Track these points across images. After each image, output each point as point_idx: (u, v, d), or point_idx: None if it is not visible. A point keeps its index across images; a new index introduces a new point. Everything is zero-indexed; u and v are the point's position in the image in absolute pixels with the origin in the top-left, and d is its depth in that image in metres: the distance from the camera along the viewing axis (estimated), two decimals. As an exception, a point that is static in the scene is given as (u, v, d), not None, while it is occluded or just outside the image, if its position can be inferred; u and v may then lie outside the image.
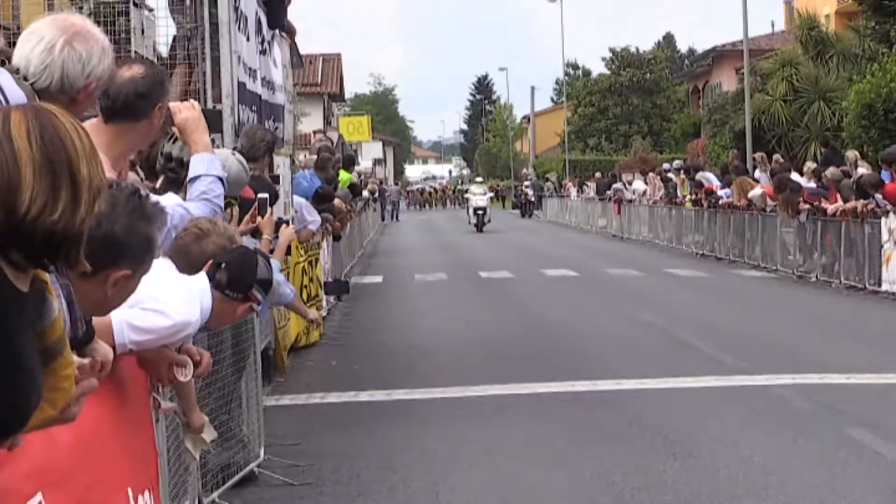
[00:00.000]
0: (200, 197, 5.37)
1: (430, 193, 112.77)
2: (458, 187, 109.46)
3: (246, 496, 8.63)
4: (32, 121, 2.65)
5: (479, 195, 54.54)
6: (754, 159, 32.94)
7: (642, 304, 20.51)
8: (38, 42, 4.14)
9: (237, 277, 5.03)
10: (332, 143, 34.00)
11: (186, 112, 5.38)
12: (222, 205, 5.50)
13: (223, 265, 5.02)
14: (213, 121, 5.94)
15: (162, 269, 4.90)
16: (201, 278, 4.94)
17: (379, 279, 27.79)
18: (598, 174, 53.80)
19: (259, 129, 10.78)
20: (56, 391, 2.86)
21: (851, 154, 25.39)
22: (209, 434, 6.01)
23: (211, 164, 5.53)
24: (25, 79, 4.06)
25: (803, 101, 41.43)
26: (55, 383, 2.84)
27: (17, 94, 3.89)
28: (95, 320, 3.73)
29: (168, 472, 6.64)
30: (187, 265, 5.01)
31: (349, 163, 24.20)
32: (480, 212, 52.53)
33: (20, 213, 2.58)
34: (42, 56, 4.12)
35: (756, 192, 27.44)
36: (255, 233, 9.08)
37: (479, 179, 75.59)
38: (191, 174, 5.59)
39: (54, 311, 2.79)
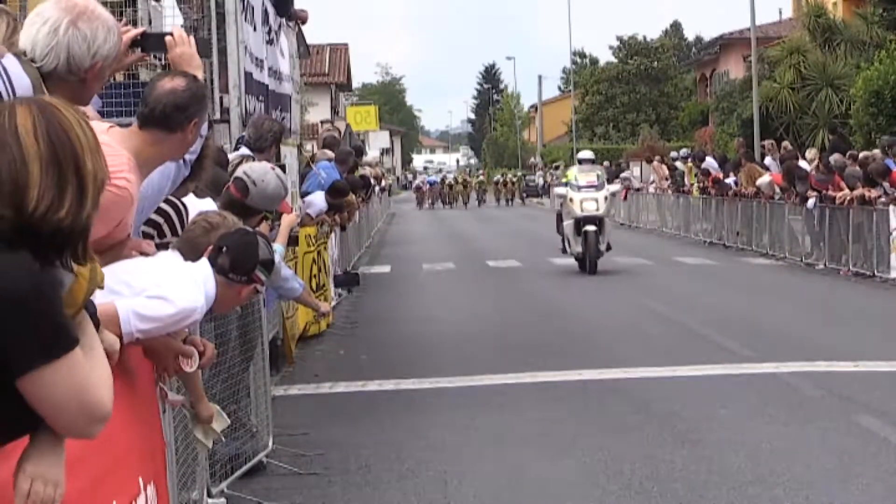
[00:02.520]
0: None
1: (461, 184, 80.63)
2: (480, 177, 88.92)
3: (254, 486, 8.63)
4: (38, 116, 2.65)
5: (587, 191, 24.96)
6: (762, 147, 32.88)
7: (650, 293, 20.48)
8: (42, 24, 4.13)
9: (239, 260, 5.03)
10: (340, 132, 33.94)
11: (184, 47, 5.28)
12: (192, 152, 5.26)
13: (224, 249, 5.02)
14: (205, 50, 5.74)
15: (165, 259, 4.90)
16: (203, 264, 4.94)
17: (387, 269, 27.79)
18: (606, 163, 53.57)
19: (266, 120, 10.77)
20: None
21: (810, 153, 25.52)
22: (220, 423, 6.01)
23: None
24: (33, 61, 4.05)
25: (811, 88, 41.34)
26: None
27: (23, 82, 3.88)
28: (101, 310, 3.73)
29: (176, 462, 6.66)
30: (196, 258, 5.02)
31: (357, 154, 24.14)
32: (592, 229, 24.52)
33: (28, 210, 2.58)
34: (47, 38, 4.11)
35: (764, 179, 27.39)
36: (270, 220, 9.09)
37: (586, 155, 27.89)
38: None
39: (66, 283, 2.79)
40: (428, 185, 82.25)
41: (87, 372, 2.73)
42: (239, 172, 8.07)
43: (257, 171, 8.17)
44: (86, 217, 2.67)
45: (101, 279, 3.13)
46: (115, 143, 4.51)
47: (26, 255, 2.60)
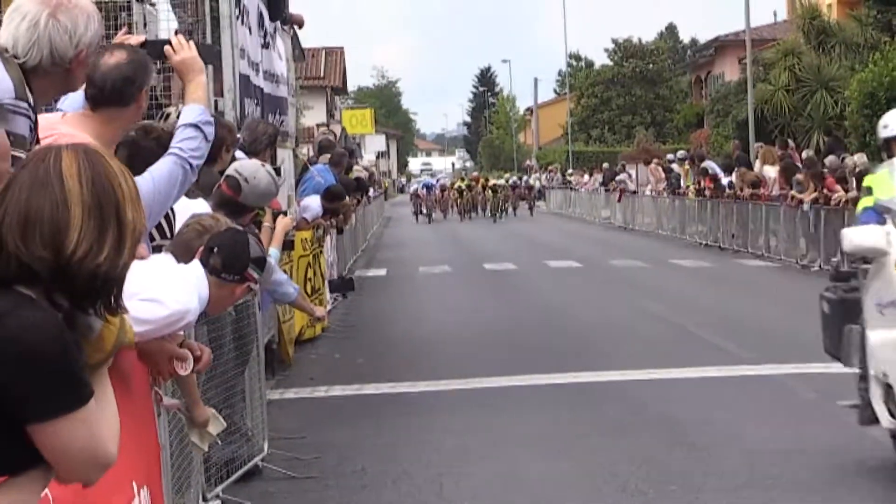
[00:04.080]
0: (169, 152, 5.20)
1: (484, 188, 60.50)
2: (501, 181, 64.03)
3: (250, 490, 8.62)
4: (83, 161, 2.67)
5: None
6: (757, 150, 32.96)
7: (647, 295, 20.49)
8: (21, 19, 4.11)
9: (231, 259, 5.02)
10: (336, 136, 33.90)
11: (184, 53, 5.26)
12: (199, 157, 5.27)
13: (215, 249, 5.01)
14: (207, 55, 5.71)
15: (158, 262, 4.90)
16: (195, 265, 4.94)
17: (383, 272, 27.78)
18: (605, 165, 53.54)
19: (261, 123, 10.77)
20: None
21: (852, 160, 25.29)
22: (216, 427, 6.00)
23: (196, 114, 5.27)
24: (16, 57, 4.04)
25: (806, 90, 41.35)
26: None
27: (4, 85, 3.86)
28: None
29: (171, 466, 6.65)
30: (189, 260, 5.01)
31: (350, 155, 24.12)
32: None
33: (67, 253, 2.59)
34: (28, 33, 4.09)
35: (768, 170, 27.42)
36: (256, 222, 9.09)
37: None
38: (178, 124, 5.44)
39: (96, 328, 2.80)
40: (424, 190, 60.26)
41: (99, 423, 2.75)
42: (230, 171, 8.07)
43: (248, 168, 8.18)
44: (122, 266, 2.68)
45: (131, 336, 3.15)
46: (77, 131, 4.50)
47: (53, 312, 2.62)
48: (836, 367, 12.71)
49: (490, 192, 59.01)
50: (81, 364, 2.68)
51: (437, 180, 66.94)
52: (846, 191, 22.36)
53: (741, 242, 29.39)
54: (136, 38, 5.20)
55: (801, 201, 24.40)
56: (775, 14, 66.84)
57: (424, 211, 58.35)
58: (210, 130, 5.23)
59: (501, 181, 64.22)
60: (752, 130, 37.44)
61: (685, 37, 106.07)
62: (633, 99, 79.02)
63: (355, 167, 23.95)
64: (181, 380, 5.76)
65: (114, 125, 4.81)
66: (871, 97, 31.51)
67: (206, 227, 5.21)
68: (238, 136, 10.22)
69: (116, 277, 2.68)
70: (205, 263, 4.97)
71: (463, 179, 66.57)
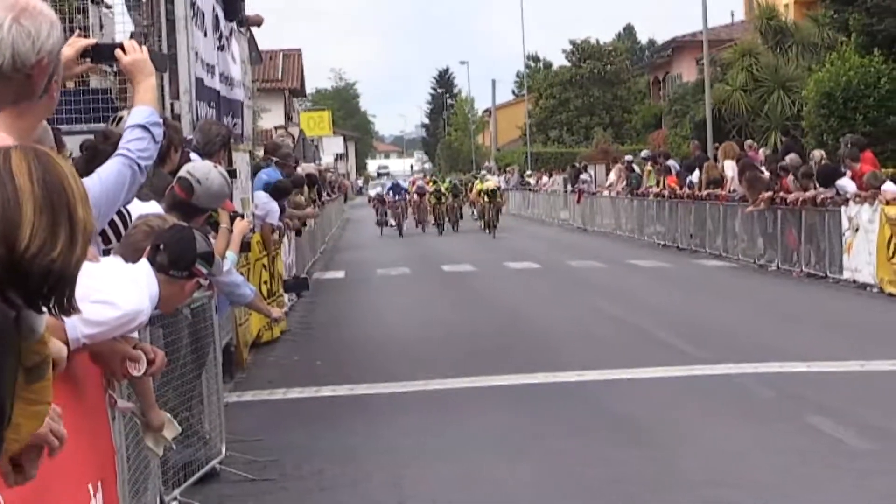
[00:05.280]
0: (117, 153, 5.19)
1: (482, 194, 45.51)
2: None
3: (208, 493, 8.59)
4: (33, 161, 2.68)
5: None
6: (715, 149, 33.12)
7: (605, 296, 20.55)
8: None
9: (178, 256, 5.02)
10: (294, 138, 33.77)
11: (134, 55, 5.24)
12: (148, 158, 5.27)
13: (161, 247, 5.01)
14: (160, 63, 5.71)
15: (107, 264, 4.88)
16: (144, 265, 4.93)
17: (341, 274, 27.76)
18: (570, 166, 53.44)
19: (214, 124, 10.73)
20: (27, 418, 2.84)
21: (818, 153, 25.37)
22: (171, 431, 5.98)
23: (145, 115, 5.26)
24: None
25: (763, 90, 41.63)
26: (28, 408, 2.82)
27: None
28: (47, 318, 3.70)
29: (128, 469, 6.61)
30: (137, 261, 5.00)
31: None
32: None
33: (20, 249, 2.60)
34: None
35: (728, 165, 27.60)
36: (213, 224, 9.06)
37: None
38: (126, 125, 5.44)
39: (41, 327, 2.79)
40: (391, 194, 47.43)
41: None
42: (182, 172, 8.04)
43: (201, 169, 8.15)
44: (75, 263, 2.68)
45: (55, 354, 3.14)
46: None
47: (6, 309, 2.62)
48: (793, 367, 12.86)
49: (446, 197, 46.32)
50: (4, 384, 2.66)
51: (414, 182, 50.64)
52: (805, 189, 22.48)
53: (699, 242, 29.53)
54: (86, 41, 5.16)
55: (761, 192, 24.55)
56: (732, 14, 67.27)
57: (393, 222, 45.53)
58: (158, 132, 5.24)
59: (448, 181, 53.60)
60: (709, 131, 37.63)
61: (643, 38, 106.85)
62: (591, 100, 79.26)
63: (304, 164, 23.80)
64: (136, 384, 5.74)
65: (26, 118, 4.78)
66: (828, 97, 31.77)
67: (154, 228, 5.21)
68: (191, 138, 10.19)
69: (69, 275, 2.69)
70: (152, 262, 4.97)
71: (435, 181, 54.78)
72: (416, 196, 47.97)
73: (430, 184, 51.78)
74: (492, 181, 47.57)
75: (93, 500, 4.30)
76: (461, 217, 48.25)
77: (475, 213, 48.54)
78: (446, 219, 45.95)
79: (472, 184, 51.33)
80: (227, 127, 11.30)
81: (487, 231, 42.32)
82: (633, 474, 8.78)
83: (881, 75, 30.96)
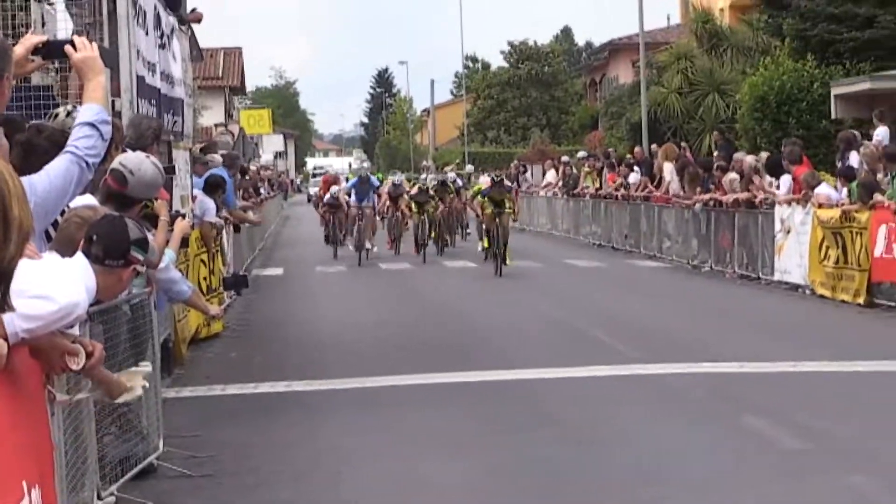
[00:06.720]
0: (65, 150, 5.22)
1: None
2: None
3: (145, 488, 8.60)
4: None
5: None
6: (650, 150, 33.45)
7: (541, 295, 20.67)
8: None
9: (112, 245, 5.05)
10: (234, 135, 33.53)
11: (85, 52, 5.27)
12: (95, 156, 5.30)
13: (95, 238, 5.03)
14: (110, 60, 5.77)
15: (43, 259, 4.91)
16: (79, 258, 4.96)
17: (280, 271, 27.72)
18: (512, 165, 53.47)
19: (144, 118, 10.71)
20: None
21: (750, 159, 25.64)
22: (138, 380, 5.87)
23: (93, 113, 5.35)
24: None
25: (698, 93, 42.01)
26: None
27: None
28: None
29: (65, 465, 6.63)
30: (73, 254, 5.03)
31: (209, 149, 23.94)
32: None
33: None
34: None
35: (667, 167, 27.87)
36: (152, 217, 9.08)
37: None
38: (75, 123, 5.47)
39: None
40: (353, 198, 30.78)
41: None
42: (115, 164, 8.06)
43: (133, 161, 8.18)
44: (9, 260, 2.68)
45: None
46: None
47: None
48: (724, 367, 13.04)
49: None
50: None
51: (399, 181, 32.48)
52: (748, 187, 22.75)
53: (634, 243, 29.79)
54: (38, 38, 5.20)
55: (700, 185, 24.85)
56: (668, 18, 67.68)
57: (355, 238, 29.47)
58: (107, 130, 5.28)
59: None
60: (645, 132, 37.96)
61: (580, 40, 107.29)
62: (529, 101, 79.53)
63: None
64: (91, 374, 5.73)
65: None
66: (762, 100, 32.14)
67: (85, 219, 5.23)
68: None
69: (4, 271, 2.69)
70: (87, 253, 4.99)
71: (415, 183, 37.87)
72: (387, 200, 31.57)
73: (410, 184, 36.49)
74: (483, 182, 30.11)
75: (27, 498, 4.30)
76: (460, 231, 35.72)
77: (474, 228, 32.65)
78: (432, 235, 31.14)
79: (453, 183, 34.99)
80: (157, 120, 11.28)
81: (486, 259, 27.17)
82: (568, 473, 8.86)
83: (814, 80, 31.34)
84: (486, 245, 27.12)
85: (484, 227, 26.83)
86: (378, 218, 31.90)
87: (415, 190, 32.65)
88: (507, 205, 25.77)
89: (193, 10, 15.59)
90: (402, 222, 31.51)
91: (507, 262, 24.59)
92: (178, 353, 13.58)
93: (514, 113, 79.91)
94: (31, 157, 5.66)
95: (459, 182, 37.12)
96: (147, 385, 6.09)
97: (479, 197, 26.87)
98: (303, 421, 10.92)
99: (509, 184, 29.07)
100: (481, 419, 10.83)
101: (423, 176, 42.80)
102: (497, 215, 25.05)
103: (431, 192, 32.30)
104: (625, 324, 16.79)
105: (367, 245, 29.11)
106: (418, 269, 27.01)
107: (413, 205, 30.92)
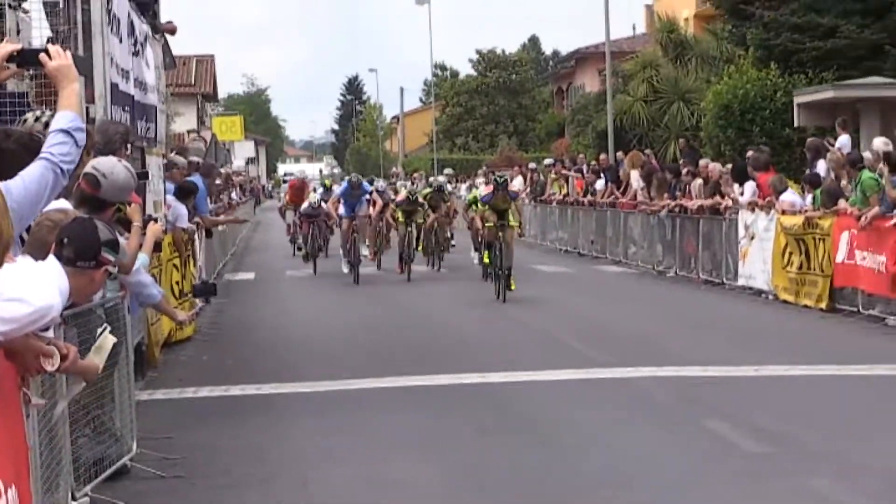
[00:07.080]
0: (40, 156, 5.31)
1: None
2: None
3: (118, 490, 8.67)
4: None
5: None
6: (615, 158, 33.70)
7: (509, 300, 20.72)
8: None
9: (83, 247, 5.09)
10: (206, 142, 33.46)
11: (60, 60, 5.37)
12: (70, 162, 5.40)
13: (66, 240, 5.09)
14: (84, 67, 5.87)
15: (16, 263, 5.00)
16: (51, 260, 5.02)
17: (251, 276, 27.76)
18: (480, 172, 53.39)
19: (111, 124, 10.76)
20: None
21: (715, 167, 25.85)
22: (105, 345, 5.90)
23: (68, 120, 5.43)
24: None
25: (663, 101, 42.31)
26: None
27: None
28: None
29: (40, 465, 6.73)
30: (45, 257, 5.10)
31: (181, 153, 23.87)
32: None
33: None
34: None
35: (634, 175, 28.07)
36: (125, 221, 9.17)
37: None
38: (50, 129, 5.57)
39: None
40: (342, 205, 26.70)
41: None
42: (88, 168, 8.15)
43: (105, 164, 8.29)
44: None
45: None
46: None
47: None
48: (690, 371, 13.19)
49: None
50: None
51: (383, 187, 29.99)
52: (712, 195, 23.00)
53: (600, 248, 29.96)
54: (12, 46, 5.30)
55: (668, 190, 25.08)
56: (634, 27, 68.07)
57: (349, 255, 25.71)
58: (81, 136, 5.38)
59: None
60: (611, 140, 38.19)
61: (547, 48, 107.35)
62: (497, 108, 79.63)
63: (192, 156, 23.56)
64: (69, 369, 5.79)
65: None
66: (726, 108, 32.41)
67: (56, 222, 5.27)
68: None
69: None
70: (59, 256, 5.06)
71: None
72: (372, 206, 27.42)
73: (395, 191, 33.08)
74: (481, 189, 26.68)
75: (3, 497, 4.35)
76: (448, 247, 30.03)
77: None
78: (419, 248, 27.77)
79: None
80: (124, 125, 11.32)
81: (485, 277, 23.81)
82: (536, 475, 8.96)
83: (777, 88, 31.60)
84: (486, 259, 23.34)
85: (483, 240, 23.47)
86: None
87: (401, 196, 28.68)
88: (511, 218, 21.65)
89: (169, 22, 15.70)
90: (386, 235, 28.47)
91: (512, 287, 20.59)
92: (151, 356, 13.66)
93: (482, 120, 79.99)
94: (2, 162, 5.74)
95: (449, 187, 33.38)
96: (115, 340, 6.14)
97: (477, 205, 23.93)
98: (274, 423, 11.01)
99: (515, 189, 25.92)
100: (451, 422, 10.92)
101: (414, 186, 36.72)
102: (500, 229, 21.20)
103: (422, 200, 28.10)
104: (591, 328, 16.92)
105: (364, 252, 26.20)
106: (385, 273, 26.81)
107: (400, 214, 27.37)
